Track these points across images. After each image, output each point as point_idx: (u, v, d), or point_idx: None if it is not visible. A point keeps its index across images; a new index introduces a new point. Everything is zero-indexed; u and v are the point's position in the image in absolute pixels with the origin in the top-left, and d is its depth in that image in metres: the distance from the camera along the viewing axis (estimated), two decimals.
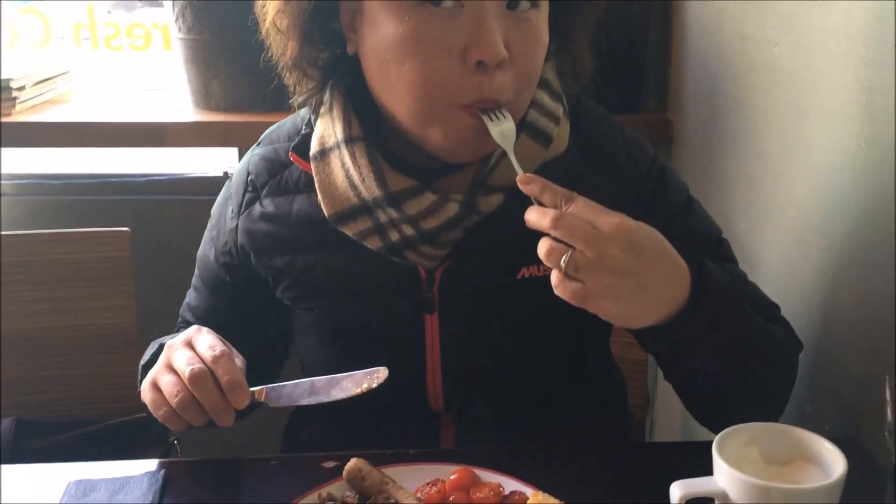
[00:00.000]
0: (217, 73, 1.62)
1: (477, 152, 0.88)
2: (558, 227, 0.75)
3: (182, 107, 1.70)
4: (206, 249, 1.05)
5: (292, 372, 1.09)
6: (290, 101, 0.96)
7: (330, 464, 0.88)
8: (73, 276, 1.36)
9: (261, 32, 0.94)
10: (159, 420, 0.87)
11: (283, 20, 0.90)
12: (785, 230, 1.15)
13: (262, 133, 1.66)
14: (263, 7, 0.92)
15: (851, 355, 0.98)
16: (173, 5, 1.60)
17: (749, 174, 1.27)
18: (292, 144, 0.95)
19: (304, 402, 0.86)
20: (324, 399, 0.85)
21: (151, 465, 0.91)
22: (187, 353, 0.85)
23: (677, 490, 0.71)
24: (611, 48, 1.57)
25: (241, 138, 1.66)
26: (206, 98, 1.66)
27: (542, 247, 0.76)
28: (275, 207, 0.96)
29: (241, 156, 1.85)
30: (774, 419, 0.88)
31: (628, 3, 1.57)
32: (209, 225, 1.06)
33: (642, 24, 1.60)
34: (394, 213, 0.88)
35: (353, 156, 0.89)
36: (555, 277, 0.77)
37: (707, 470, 0.72)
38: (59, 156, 1.85)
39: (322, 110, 0.94)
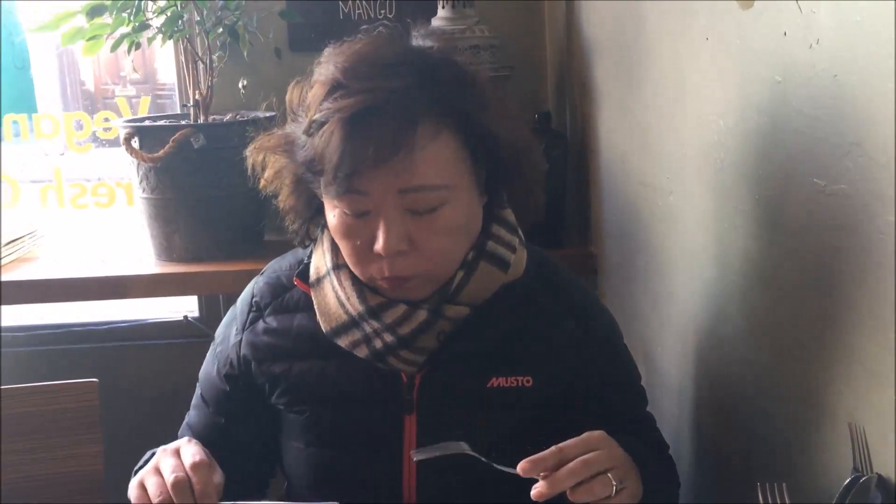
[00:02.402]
0: (178, 228, 1.76)
1: (414, 298, 1.05)
2: (586, 469, 0.92)
3: (144, 258, 1.83)
4: (209, 367, 1.19)
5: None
6: (289, 237, 1.16)
7: None
8: (42, 428, 1.43)
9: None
10: None
11: (278, 182, 1.11)
12: (689, 352, 1.31)
13: (218, 281, 1.80)
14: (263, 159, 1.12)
15: (743, 461, 1.13)
16: (137, 170, 1.75)
17: (659, 303, 1.43)
18: (296, 272, 1.13)
19: None
20: None
21: None
22: (173, 460, 1.00)
23: None
24: None
25: (199, 286, 1.79)
26: (167, 250, 1.79)
27: (594, 488, 0.91)
28: (277, 323, 1.13)
29: (199, 302, 1.99)
30: None
31: (549, 151, 1.77)
32: (212, 346, 1.21)
33: (561, 171, 1.79)
34: (375, 324, 1.05)
35: (339, 280, 1.07)
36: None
37: None
38: (21, 308, 1.94)
39: (315, 246, 1.13)
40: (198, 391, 1.20)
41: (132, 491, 1.01)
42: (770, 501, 0.82)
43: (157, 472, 1.00)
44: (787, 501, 0.82)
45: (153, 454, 1.10)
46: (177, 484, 0.97)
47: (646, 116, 1.42)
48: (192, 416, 1.20)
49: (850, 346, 0.89)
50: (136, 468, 1.11)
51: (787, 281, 1.00)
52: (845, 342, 0.89)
